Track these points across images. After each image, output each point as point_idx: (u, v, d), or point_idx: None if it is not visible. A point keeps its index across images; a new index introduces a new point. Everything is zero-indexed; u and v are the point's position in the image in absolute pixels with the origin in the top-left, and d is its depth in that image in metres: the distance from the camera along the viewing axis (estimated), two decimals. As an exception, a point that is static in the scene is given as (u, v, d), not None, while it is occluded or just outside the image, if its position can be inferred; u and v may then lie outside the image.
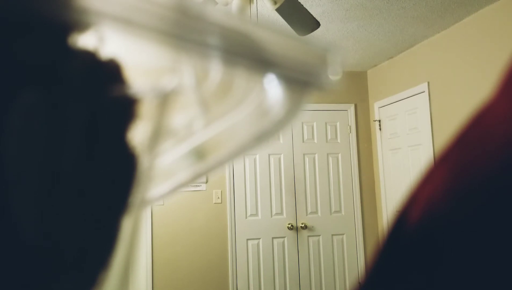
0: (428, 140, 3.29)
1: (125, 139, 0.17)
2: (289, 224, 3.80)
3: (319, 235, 3.86)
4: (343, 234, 3.91)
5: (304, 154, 3.91)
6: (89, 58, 0.16)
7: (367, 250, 3.93)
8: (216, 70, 0.18)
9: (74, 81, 0.15)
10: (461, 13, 2.87)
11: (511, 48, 2.55)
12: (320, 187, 3.91)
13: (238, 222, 3.71)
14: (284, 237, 3.80)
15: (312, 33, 2.28)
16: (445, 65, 3.15)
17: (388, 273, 0.20)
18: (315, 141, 3.96)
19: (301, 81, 0.19)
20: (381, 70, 3.96)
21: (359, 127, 4.06)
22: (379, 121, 3.95)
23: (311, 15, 2.17)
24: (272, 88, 0.19)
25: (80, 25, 0.15)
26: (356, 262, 3.91)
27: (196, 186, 3.59)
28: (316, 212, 3.88)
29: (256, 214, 3.76)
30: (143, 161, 0.18)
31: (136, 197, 0.18)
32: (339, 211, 3.93)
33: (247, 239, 3.73)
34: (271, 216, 3.79)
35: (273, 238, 3.78)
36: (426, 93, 3.33)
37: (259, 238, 3.75)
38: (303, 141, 3.93)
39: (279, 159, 3.86)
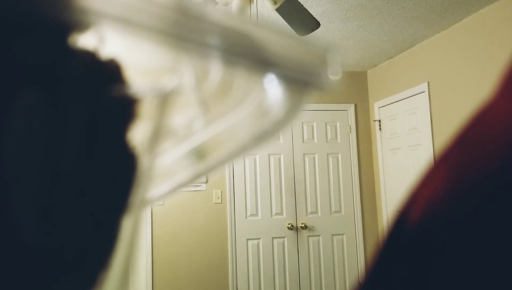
0: (428, 140, 3.29)
1: (125, 139, 0.17)
2: (289, 224, 3.80)
3: (319, 235, 3.86)
4: (343, 234, 3.91)
5: (304, 154, 3.91)
6: (89, 58, 0.16)
7: (367, 250, 3.93)
8: (216, 70, 0.18)
9: (74, 81, 0.15)
10: (461, 13, 2.87)
11: (511, 48, 2.55)
12: (320, 187, 3.91)
13: (238, 222, 3.71)
14: (284, 237, 3.80)
15: (312, 33, 2.28)
16: (445, 65, 3.15)
17: (388, 273, 0.20)
18: (315, 141, 3.96)
19: (301, 81, 0.19)
20: (381, 70, 3.96)
21: (359, 127, 4.06)
22: (379, 121, 3.95)
23: (311, 15, 2.17)
24: (272, 88, 0.19)
25: (80, 25, 0.15)
26: (356, 262, 3.91)
27: (196, 186, 3.59)
28: (316, 212, 3.88)
29: (256, 214, 3.76)
30: (143, 161, 0.18)
31: (136, 197, 0.18)
32: (339, 211, 3.93)
33: (247, 239, 3.73)
34: (271, 216, 3.79)
35: (273, 238, 3.78)
36: (426, 93, 3.33)
37: (259, 238, 3.75)
38: (303, 141, 3.93)
39: (279, 159, 3.86)
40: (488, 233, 0.16)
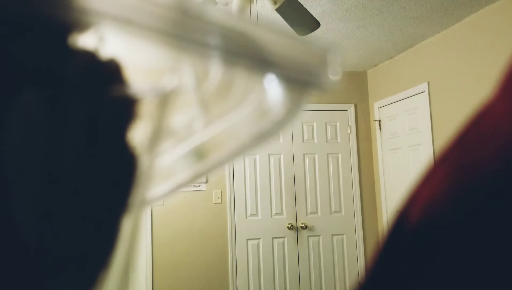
0: (428, 140, 3.29)
1: (125, 139, 0.17)
2: (289, 224, 3.80)
3: (319, 235, 3.86)
4: (343, 234, 3.91)
5: (304, 154, 3.91)
6: (89, 58, 0.16)
7: (367, 250, 3.93)
8: (216, 70, 0.18)
9: (74, 81, 0.15)
10: (461, 13, 2.87)
11: (511, 48, 2.55)
12: (320, 187, 3.91)
13: (238, 222, 3.71)
14: (284, 237, 3.80)
15: (312, 33, 2.28)
16: (445, 65, 3.15)
17: (388, 273, 0.20)
18: (315, 141, 3.96)
19: (301, 81, 0.19)
20: (381, 70, 3.96)
21: (359, 127, 4.06)
22: (379, 121, 3.95)
23: (311, 15, 2.17)
24: (272, 88, 0.19)
25: (80, 25, 0.15)
26: (356, 262, 3.91)
27: (196, 186, 3.59)
28: (316, 212, 3.87)
29: (256, 214, 3.76)
30: (143, 161, 0.18)
31: (136, 197, 0.18)
32: (339, 211, 3.93)
33: (247, 239, 3.72)
34: (271, 216, 3.79)
35: (273, 238, 3.78)
36: (426, 93, 3.33)
37: (259, 238, 3.75)
38: (303, 141, 3.93)
39: (279, 159, 3.86)
40: (488, 233, 0.16)
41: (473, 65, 2.88)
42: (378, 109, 3.98)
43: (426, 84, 3.34)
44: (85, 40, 0.15)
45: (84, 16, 0.14)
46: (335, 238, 3.90)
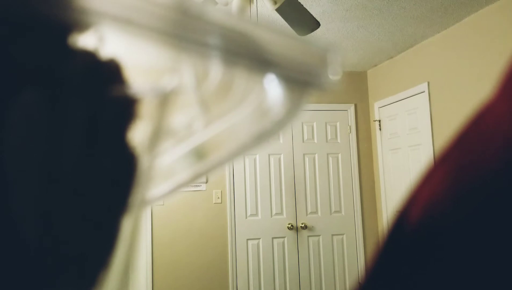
0: (428, 140, 3.29)
1: (125, 139, 0.17)
2: (289, 224, 3.80)
3: (319, 235, 3.86)
4: (343, 234, 3.91)
5: (304, 154, 3.91)
6: (89, 58, 0.16)
7: (367, 250, 3.93)
8: (216, 70, 0.18)
9: (74, 81, 0.15)
10: (461, 13, 2.87)
11: (511, 48, 2.55)
12: (320, 187, 3.91)
13: (238, 222, 3.71)
14: (284, 237, 3.80)
15: (312, 33, 2.28)
16: (445, 65, 3.15)
17: (388, 273, 0.20)
18: (315, 141, 3.96)
19: (301, 81, 0.19)
20: (381, 70, 3.96)
21: (359, 127, 4.06)
22: (379, 121, 3.95)
23: (311, 15, 2.17)
24: (272, 88, 0.19)
25: (80, 25, 0.15)
26: (356, 262, 3.91)
27: (196, 186, 3.59)
28: (316, 212, 3.87)
29: (256, 214, 3.76)
30: (143, 161, 0.18)
31: (136, 197, 0.18)
32: (339, 211, 3.93)
33: (247, 239, 3.72)
34: (271, 216, 3.79)
35: (273, 238, 3.78)
36: (426, 93, 3.33)
37: (259, 238, 3.75)
38: (303, 141, 3.93)
39: (279, 159, 3.86)
40: (488, 233, 0.16)
41: (473, 65, 2.88)
42: (378, 109, 3.98)
43: (426, 84, 3.34)
44: (85, 40, 0.15)
45: (84, 16, 0.14)
46: (335, 238, 3.90)
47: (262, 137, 0.21)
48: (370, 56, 3.71)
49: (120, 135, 0.17)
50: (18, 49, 0.14)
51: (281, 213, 3.81)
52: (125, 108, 0.17)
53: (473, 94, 2.86)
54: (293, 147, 3.89)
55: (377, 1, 2.63)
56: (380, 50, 3.57)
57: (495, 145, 0.17)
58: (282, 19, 2.19)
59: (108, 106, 0.16)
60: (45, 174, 0.15)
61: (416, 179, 0.20)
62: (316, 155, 3.94)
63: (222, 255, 3.66)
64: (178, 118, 0.21)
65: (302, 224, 3.82)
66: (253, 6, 2.35)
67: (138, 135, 0.18)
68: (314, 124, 3.97)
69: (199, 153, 0.22)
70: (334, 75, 0.20)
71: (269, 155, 3.84)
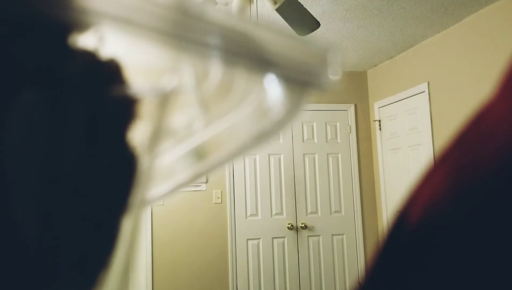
0: (428, 140, 3.29)
1: (125, 139, 0.17)
2: (289, 224, 3.80)
3: (319, 235, 3.86)
4: (343, 234, 3.91)
5: (304, 154, 3.91)
6: (89, 58, 0.16)
7: (367, 250, 3.93)
8: (216, 70, 0.18)
9: (74, 81, 0.15)
10: (461, 13, 2.87)
11: (511, 48, 2.55)
12: (320, 187, 3.91)
13: (238, 222, 3.71)
14: (284, 237, 3.80)
15: (312, 33, 2.28)
16: (445, 65, 3.15)
17: (388, 273, 0.20)
18: (315, 141, 3.96)
19: (301, 81, 0.19)
20: (381, 70, 3.96)
21: (359, 127, 4.06)
22: (379, 121, 3.95)
23: (311, 15, 2.17)
24: (272, 88, 0.19)
25: (80, 25, 0.15)
26: (356, 262, 3.91)
27: (196, 186, 3.59)
28: (316, 212, 3.87)
29: (256, 214, 3.76)
30: (143, 161, 0.18)
31: (136, 197, 0.18)
32: (339, 211, 3.93)
33: (247, 239, 3.72)
34: (271, 216, 3.79)
35: (273, 238, 3.78)
36: (426, 93, 3.33)
37: (259, 238, 3.75)
38: (303, 141, 3.93)
39: (279, 159, 3.86)
40: (488, 233, 0.16)
41: (473, 65, 2.88)
42: (378, 109, 3.98)
43: (426, 84, 3.34)
44: (85, 40, 0.15)
45: (84, 16, 0.14)
46: (335, 238, 3.90)
47: (262, 137, 0.21)
48: (370, 56, 3.71)
49: (120, 135, 0.17)
50: (18, 49, 0.14)
51: (281, 213, 3.81)
52: (125, 108, 0.17)
53: (473, 94, 2.86)
54: (293, 147, 3.89)
55: (377, 1, 2.63)
56: (380, 50, 3.57)
57: (495, 145, 0.17)
58: (282, 19, 2.19)
59: (108, 106, 0.16)
60: (45, 174, 0.15)
61: (416, 179, 0.20)
62: (316, 155, 3.94)
63: (222, 255, 3.66)
64: (178, 118, 0.21)
65: (302, 224, 3.82)
66: (253, 6, 2.35)
67: (138, 135, 0.18)
68: (314, 124, 3.97)
69: (199, 153, 0.22)
70: (334, 75, 0.20)
71: (269, 155, 3.84)
